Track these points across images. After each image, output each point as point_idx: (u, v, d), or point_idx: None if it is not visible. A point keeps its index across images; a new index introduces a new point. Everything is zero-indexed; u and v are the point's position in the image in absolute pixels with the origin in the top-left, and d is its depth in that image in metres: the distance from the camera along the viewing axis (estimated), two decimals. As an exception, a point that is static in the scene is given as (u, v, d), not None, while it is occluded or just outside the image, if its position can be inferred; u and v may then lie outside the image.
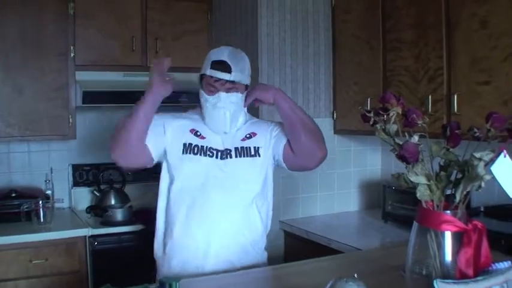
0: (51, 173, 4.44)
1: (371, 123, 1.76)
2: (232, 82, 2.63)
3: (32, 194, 4.22)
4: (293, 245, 3.95)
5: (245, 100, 2.71)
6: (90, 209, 4.19)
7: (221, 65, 2.64)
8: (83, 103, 4.17)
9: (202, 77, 2.72)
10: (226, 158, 2.68)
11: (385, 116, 1.73)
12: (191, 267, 2.60)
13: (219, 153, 2.68)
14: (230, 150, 2.70)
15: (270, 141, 2.77)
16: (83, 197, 4.52)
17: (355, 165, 4.40)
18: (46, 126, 4.19)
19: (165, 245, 2.72)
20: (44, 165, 4.52)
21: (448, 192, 1.71)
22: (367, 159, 4.44)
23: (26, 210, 3.99)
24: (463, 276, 1.61)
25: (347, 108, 4.06)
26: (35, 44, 4.13)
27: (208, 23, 4.72)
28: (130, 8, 4.42)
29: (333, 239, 3.47)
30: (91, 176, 4.60)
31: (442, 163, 1.73)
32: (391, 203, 3.78)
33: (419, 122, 1.69)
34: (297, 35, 4.12)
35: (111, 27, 4.34)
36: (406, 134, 1.68)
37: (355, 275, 1.64)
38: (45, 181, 4.45)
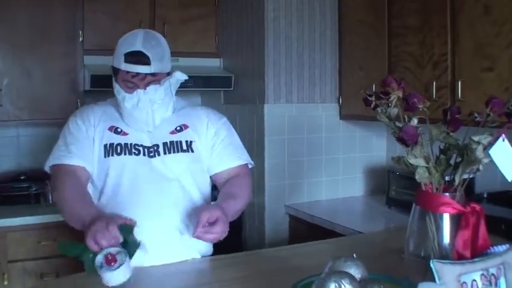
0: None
1: (372, 106, 1.78)
2: (153, 74, 2.34)
3: (41, 177, 4.25)
4: (298, 229, 3.99)
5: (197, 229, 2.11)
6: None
7: (137, 57, 2.32)
8: (91, 87, 4.21)
9: (116, 70, 2.39)
10: (155, 155, 2.38)
11: (386, 100, 1.75)
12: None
13: (146, 150, 2.38)
14: (158, 146, 2.39)
15: (207, 145, 2.51)
16: (91, 180, 4.54)
17: (360, 151, 4.42)
18: (55, 109, 4.22)
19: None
20: (53, 148, 4.54)
21: (448, 178, 1.74)
22: (372, 145, 4.47)
23: (34, 192, 4.06)
24: (460, 258, 1.64)
25: (352, 93, 4.07)
26: (44, 28, 4.18)
27: (216, 7, 4.74)
28: (139, -8, 4.46)
29: (337, 223, 3.50)
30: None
31: (442, 147, 1.76)
32: (395, 189, 3.80)
33: (420, 106, 1.71)
34: (303, 19, 4.14)
35: (120, 12, 4.37)
36: (406, 117, 1.71)
37: (354, 255, 1.67)
38: (54, 164, 4.49)
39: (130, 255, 1.93)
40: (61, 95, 4.25)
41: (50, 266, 3.78)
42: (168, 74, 2.44)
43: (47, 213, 3.85)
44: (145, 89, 2.34)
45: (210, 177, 2.56)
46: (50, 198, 4.01)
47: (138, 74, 2.33)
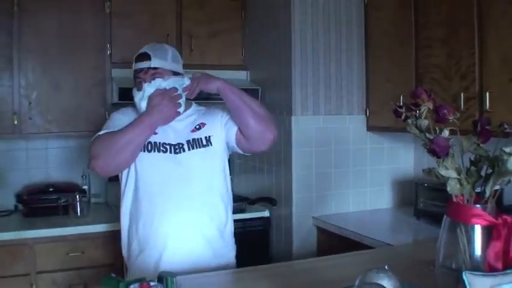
0: (88, 168, 4.51)
1: (402, 118, 1.78)
2: (154, 68, 2.67)
3: (69, 189, 4.31)
4: (326, 241, 3.97)
5: (189, 91, 2.72)
6: (125, 204, 4.25)
7: (141, 57, 2.71)
8: (119, 100, 4.24)
9: (133, 77, 2.77)
10: (180, 152, 2.68)
11: (416, 112, 1.75)
12: (151, 263, 2.62)
13: (172, 148, 2.69)
14: (182, 144, 2.70)
15: (221, 128, 2.79)
16: (118, 192, 4.52)
17: (388, 163, 4.40)
18: (83, 122, 4.28)
19: (130, 244, 2.73)
20: (81, 160, 4.60)
21: (478, 189, 1.73)
22: (399, 157, 4.44)
23: (63, 204, 4.11)
24: (492, 270, 1.63)
25: (380, 105, 4.06)
26: (73, 42, 4.24)
27: (243, 21, 4.77)
28: (166, 6, 4.50)
29: (365, 235, 3.47)
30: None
31: (472, 158, 1.75)
32: (423, 200, 3.78)
33: (451, 117, 1.70)
34: (330, 31, 4.14)
35: (147, 26, 4.41)
36: (436, 129, 1.70)
37: (386, 267, 1.66)
38: (82, 176, 4.54)
39: None
40: (90, 107, 4.30)
41: (79, 277, 3.81)
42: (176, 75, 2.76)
43: (75, 224, 3.89)
44: (150, 82, 2.66)
45: (235, 146, 2.79)
46: (79, 210, 4.05)
47: (142, 69, 2.69)
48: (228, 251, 2.80)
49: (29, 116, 4.12)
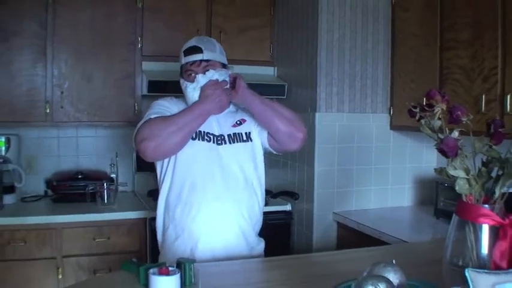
0: (116, 157, 4.62)
1: (417, 118, 1.82)
2: (207, 61, 2.79)
3: (97, 177, 4.40)
4: (345, 237, 4.02)
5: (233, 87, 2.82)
6: (151, 193, 4.34)
7: (192, 49, 2.82)
8: (148, 92, 4.33)
9: (181, 69, 2.88)
10: (222, 143, 2.78)
11: (431, 112, 1.79)
12: (186, 250, 2.67)
13: (216, 138, 2.78)
14: (223, 136, 2.80)
15: (255, 128, 2.90)
16: (145, 182, 4.65)
17: (410, 161, 4.42)
18: (113, 112, 4.39)
19: (165, 229, 2.79)
20: (110, 149, 4.71)
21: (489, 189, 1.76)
22: (422, 156, 4.45)
23: (91, 191, 4.20)
24: (497, 268, 1.65)
25: (404, 104, 4.05)
26: (105, 34, 4.34)
27: (272, 18, 4.82)
28: (196, 1, 4.57)
29: (384, 232, 3.51)
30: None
31: (484, 159, 1.78)
32: (444, 200, 3.80)
33: (464, 119, 1.74)
34: (357, 31, 4.17)
35: (177, 20, 4.50)
36: (447, 129, 1.74)
37: (394, 261, 1.71)
38: (110, 165, 4.64)
39: (182, 284, 2.01)
40: (119, 99, 4.41)
41: (103, 262, 3.92)
42: (224, 67, 2.89)
43: (102, 211, 4.01)
44: (203, 73, 2.77)
45: (268, 147, 2.92)
46: (106, 197, 4.15)
47: (194, 62, 2.79)
48: (258, 243, 2.89)
49: (61, 104, 4.23)
